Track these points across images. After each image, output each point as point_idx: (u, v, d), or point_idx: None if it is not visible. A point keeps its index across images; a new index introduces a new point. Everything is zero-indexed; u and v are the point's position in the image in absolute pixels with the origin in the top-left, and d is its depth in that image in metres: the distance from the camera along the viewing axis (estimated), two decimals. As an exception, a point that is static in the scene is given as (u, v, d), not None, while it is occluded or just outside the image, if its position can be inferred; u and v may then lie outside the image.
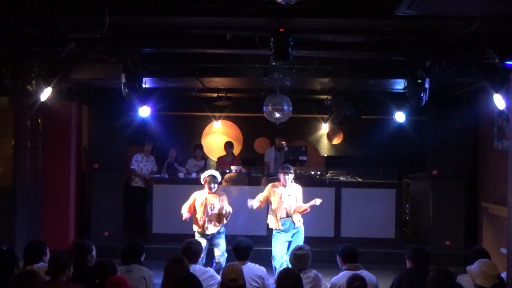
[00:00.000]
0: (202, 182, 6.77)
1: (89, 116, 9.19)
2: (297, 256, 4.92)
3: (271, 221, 6.83)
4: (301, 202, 6.81)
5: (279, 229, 6.73)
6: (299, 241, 6.62)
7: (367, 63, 7.23)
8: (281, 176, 6.74)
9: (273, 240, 6.80)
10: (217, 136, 11.63)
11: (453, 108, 8.71)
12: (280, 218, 6.70)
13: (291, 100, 7.84)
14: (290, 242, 6.72)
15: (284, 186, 6.74)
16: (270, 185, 6.91)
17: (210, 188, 6.68)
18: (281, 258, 6.61)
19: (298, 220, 6.77)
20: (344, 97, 8.73)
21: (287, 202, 6.72)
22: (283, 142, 9.85)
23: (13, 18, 5.24)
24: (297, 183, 7.05)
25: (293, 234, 6.74)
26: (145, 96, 7.47)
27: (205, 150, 11.06)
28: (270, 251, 6.83)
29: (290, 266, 5.30)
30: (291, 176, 6.76)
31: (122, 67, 6.69)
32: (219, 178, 6.83)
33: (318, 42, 6.04)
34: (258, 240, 6.76)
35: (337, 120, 11.04)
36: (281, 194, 6.74)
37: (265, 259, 6.76)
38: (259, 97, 8.79)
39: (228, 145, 10.13)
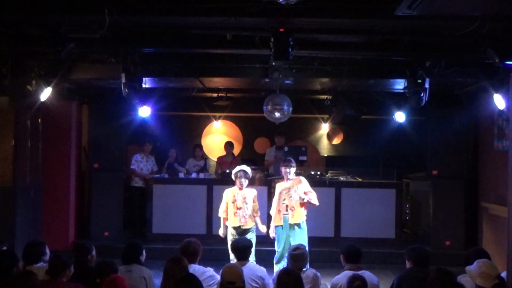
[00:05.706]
0: (233, 177, 6.75)
1: (89, 116, 9.18)
2: (293, 256, 4.91)
3: (275, 217, 6.82)
4: (305, 190, 6.72)
5: (280, 225, 6.72)
6: (300, 238, 6.59)
7: (367, 63, 7.24)
8: (283, 169, 6.74)
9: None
10: (217, 136, 11.62)
11: (453, 108, 8.70)
12: (283, 214, 6.70)
13: (291, 100, 7.83)
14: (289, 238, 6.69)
15: (287, 179, 6.72)
16: (277, 185, 6.91)
17: (241, 184, 6.66)
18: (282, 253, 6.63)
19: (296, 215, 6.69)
20: (344, 97, 8.72)
21: (287, 197, 6.69)
22: (282, 140, 9.80)
23: (13, 18, 5.24)
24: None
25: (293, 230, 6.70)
26: (145, 96, 7.48)
27: (205, 150, 11.06)
28: (270, 251, 6.83)
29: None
30: (293, 169, 6.73)
31: (122, 67, 6.69)
32: (250, 173, 6.79)
33: (318, 42, 6.05)
34: (258, 240, 6.74)
35: (337, 120, 11.00)
36: (281, 190, 6.75)
37: (265, 259, 6.76)
38: (259, 97, 8.79)
39: (228, 145, 10.12)
